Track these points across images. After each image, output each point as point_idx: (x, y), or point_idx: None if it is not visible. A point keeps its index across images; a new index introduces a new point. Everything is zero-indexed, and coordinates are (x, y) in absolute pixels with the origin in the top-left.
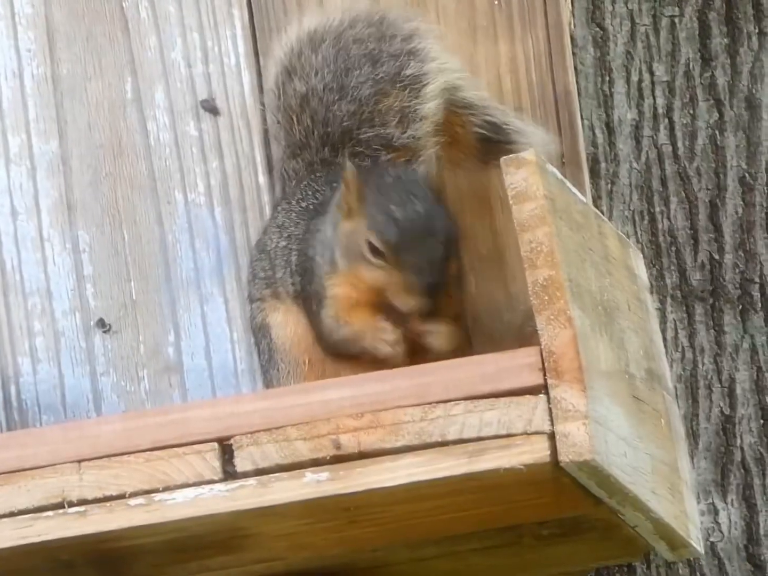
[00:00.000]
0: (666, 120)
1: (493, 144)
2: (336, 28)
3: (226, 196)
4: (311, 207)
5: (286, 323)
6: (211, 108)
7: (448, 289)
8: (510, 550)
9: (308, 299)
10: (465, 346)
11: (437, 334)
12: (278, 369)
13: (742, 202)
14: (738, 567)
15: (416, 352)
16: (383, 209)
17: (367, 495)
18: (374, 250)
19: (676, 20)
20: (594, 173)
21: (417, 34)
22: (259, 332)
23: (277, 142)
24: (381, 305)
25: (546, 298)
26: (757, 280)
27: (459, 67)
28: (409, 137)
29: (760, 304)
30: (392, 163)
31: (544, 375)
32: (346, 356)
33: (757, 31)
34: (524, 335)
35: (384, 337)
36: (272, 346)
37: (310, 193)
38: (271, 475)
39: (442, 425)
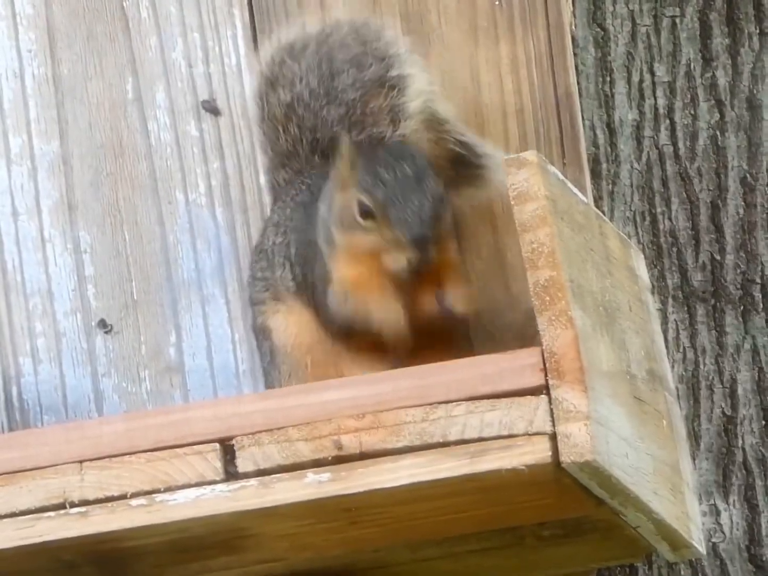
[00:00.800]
0: (667, 120)
1: (464, 166)
2: (317, 36)
3: (227, 196)
4: (306, 200)
5: (287, 326)
6: (212, 108)
7: (441, 248)
8: (511, 551)
9: (312, 286)
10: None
11: (454, 297)
12: (280, 371)
13: (743, 203)
14: (740, 568)
15: (424, 338)
16: (372, 172)
17: (369, 496)
18: (364, 211)
19: (677, 20)
20: (595, 174)
21: (398, 41)
22: (261, 334)
23: (264, 153)
24: (384, 276)
25: (547, 298)
26: (758, 280)
27: (433, 80)
28: (400, 136)
29: (761, 305)
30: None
31: (546, 376)
32: (353, 340)
33: (758, 31)
34: (526, 336)
35: (387, 307)
36: (273, 348)
37: (304, 188)
38: (273, 475)
39: (444, 426)
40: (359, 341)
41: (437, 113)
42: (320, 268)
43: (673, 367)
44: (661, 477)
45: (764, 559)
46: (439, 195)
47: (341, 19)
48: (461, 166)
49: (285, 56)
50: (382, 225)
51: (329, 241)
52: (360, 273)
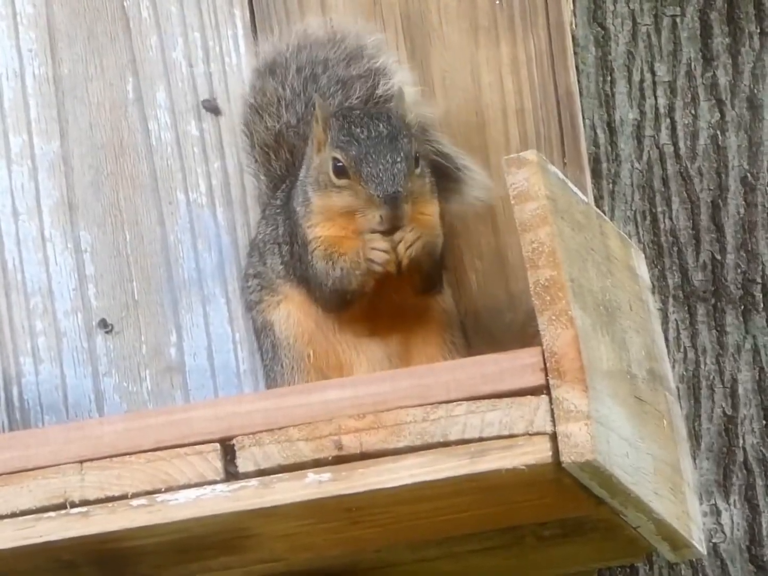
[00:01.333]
0: (667, 120)
1: (443, 178)
2: (296, 56)
3: (228, 196)
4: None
5: (288, 314)
6: (212, 108)
7: (415, 205)
8: (512, 551)
9: (298, 257)
10: (434, 252)
11: (402, 243)
12: (282, 365)
13: (743, 203)
14: (740, 568)
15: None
16: (347, 131)
17: (369, 496)
18: (337, 168)
19: (678, 20)
20: (596, 173)
21: (380, 49)
22: (262, 333)
23: (256, 179)
24: (358, 234)
25: (548, 298)
26: (759, 280)
27: (413, 81)
28: None
29: (762, 305)
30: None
31: (546, 375)
32: (347, 311)
33: (758, 30)
34: (526, 335)
35: (375, 245)
36: (276, 342)
37: (292, 181)
38: (273, 475)
39: (444, 426)
40: (348, 309)
41: (421, 117)
42: (300, 236)
43: (673, 366)
44: (661, 477)
45: (765, 559)
46: (411, 152)
47: (317, 33)
48: (440, 177)
49: (266, 82)
50: (355, 182)
51: (306, 204)
52: (340, 233)
